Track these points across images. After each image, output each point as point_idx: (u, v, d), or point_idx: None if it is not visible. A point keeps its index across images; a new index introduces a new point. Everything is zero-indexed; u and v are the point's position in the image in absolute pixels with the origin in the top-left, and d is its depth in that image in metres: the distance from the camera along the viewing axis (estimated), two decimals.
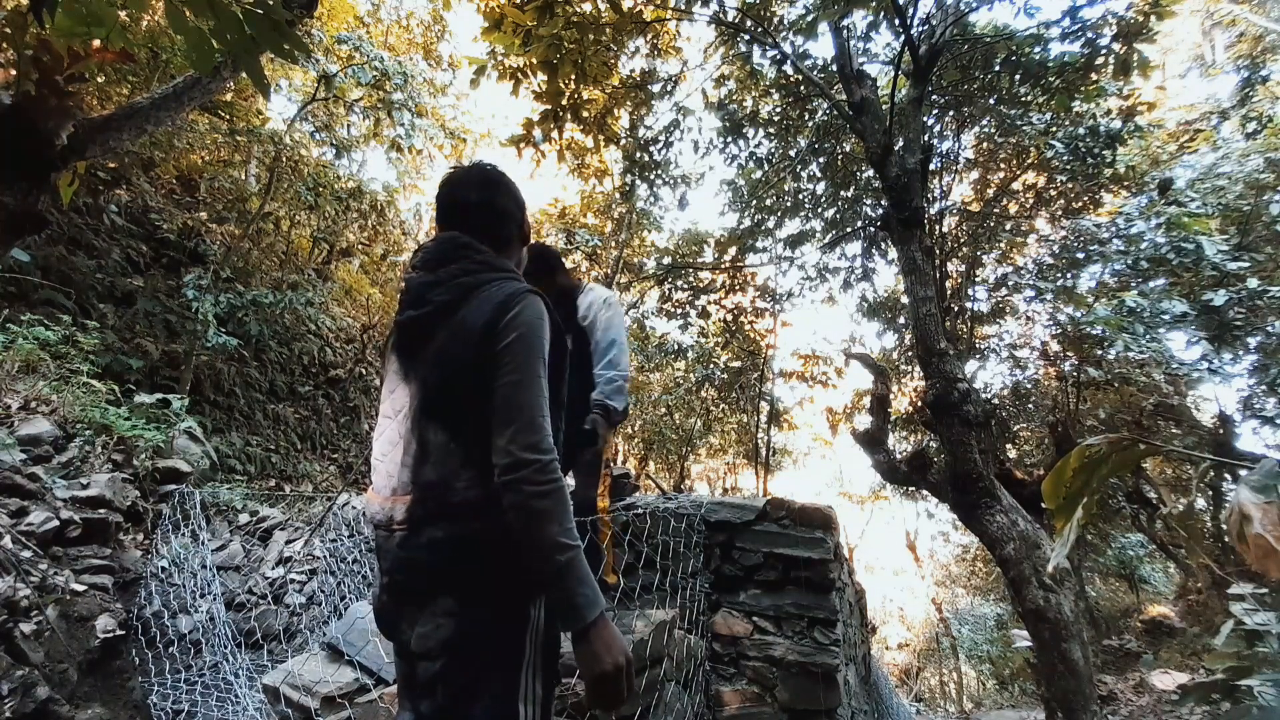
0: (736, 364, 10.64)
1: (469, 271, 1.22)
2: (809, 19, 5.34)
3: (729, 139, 7.88)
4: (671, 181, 8.93)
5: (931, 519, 13.18)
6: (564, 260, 2.73)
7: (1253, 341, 6.21)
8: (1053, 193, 7.94)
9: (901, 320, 9.29)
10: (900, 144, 5.30)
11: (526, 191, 1.46)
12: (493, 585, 1.10)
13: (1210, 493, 8.93)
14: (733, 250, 9.85)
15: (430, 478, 1.13)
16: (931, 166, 6.61)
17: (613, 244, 10.20)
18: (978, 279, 8.37)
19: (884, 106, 5.49)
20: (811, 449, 15.32)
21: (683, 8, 5.98)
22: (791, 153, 8.32)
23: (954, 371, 4.93)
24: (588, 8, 4.73)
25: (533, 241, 2.91)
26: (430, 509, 1.12)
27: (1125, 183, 7.37)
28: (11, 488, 3.45)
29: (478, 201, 1.32)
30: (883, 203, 6.90)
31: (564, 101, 5.03)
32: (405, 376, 1.23)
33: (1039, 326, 8.40)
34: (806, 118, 7.90)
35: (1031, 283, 7.82)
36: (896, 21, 5.01)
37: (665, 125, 7.66)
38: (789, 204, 8.93)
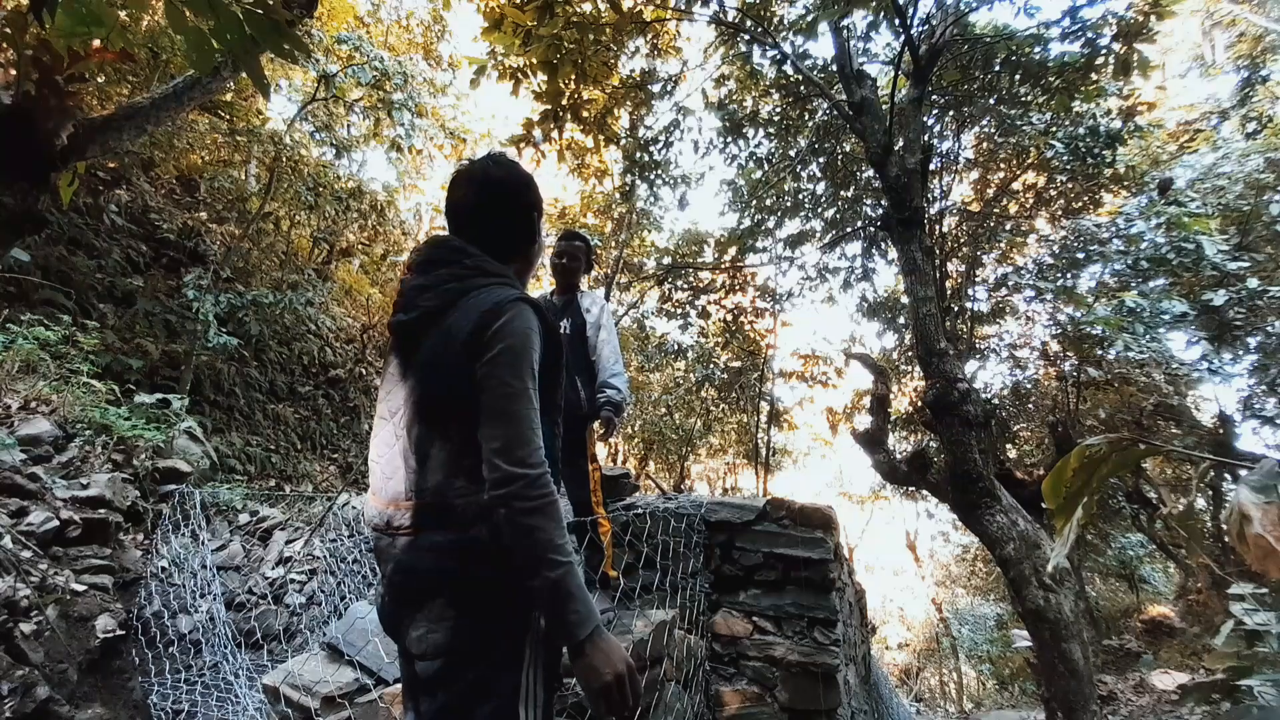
0: (736, 364, 10.64)
1: (458, 277, 1.20)
2: (809, 19, 5.34)
3: (729, 139, 7.88)
4: (671, 181, 8.92)
5: (931, 519, 13.18)
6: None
7: (1253, 341, 6.22)
8: (1053, 193, 7.94)
9: (901, 320, 9.29)
10: (900, 144, 5.30)
11: None
12: (492, 588, 1.09)
13: (1210, 493, 8.92)
14: (733, 250, 9.84)
15: (426, 483, 1.12)
16: (931, 166, 6.61)
17: (613, 244, 10.18)
18: (978, 279, 8.37)
19: (884, 106, 5.48)
20: (811, 449, 15.32)
21: (683, 8, 5.98)
22: (791, 153, 8.31)
23: (954, 371, 4.93)
24: (588, 8, 4.73)
25: (570, 230, 3.02)
26: (430, 515, 1.12)
27: (1125, 183, 7.37)
28: (11, 488, 3.45)
29: (484, 202, 1.28)
30: (883, 203, 6.89)
31: (564, 101, 5.04)
32: (400, 379, 1.22)
33: (1039, 326, 8.40)
34: (806, 118, 7.90)
35: (1031, 283, 7.81)
36: (896, 21, 5.00)
37: (665, 125, 7.67)
38: (789, 204, 8.93)
